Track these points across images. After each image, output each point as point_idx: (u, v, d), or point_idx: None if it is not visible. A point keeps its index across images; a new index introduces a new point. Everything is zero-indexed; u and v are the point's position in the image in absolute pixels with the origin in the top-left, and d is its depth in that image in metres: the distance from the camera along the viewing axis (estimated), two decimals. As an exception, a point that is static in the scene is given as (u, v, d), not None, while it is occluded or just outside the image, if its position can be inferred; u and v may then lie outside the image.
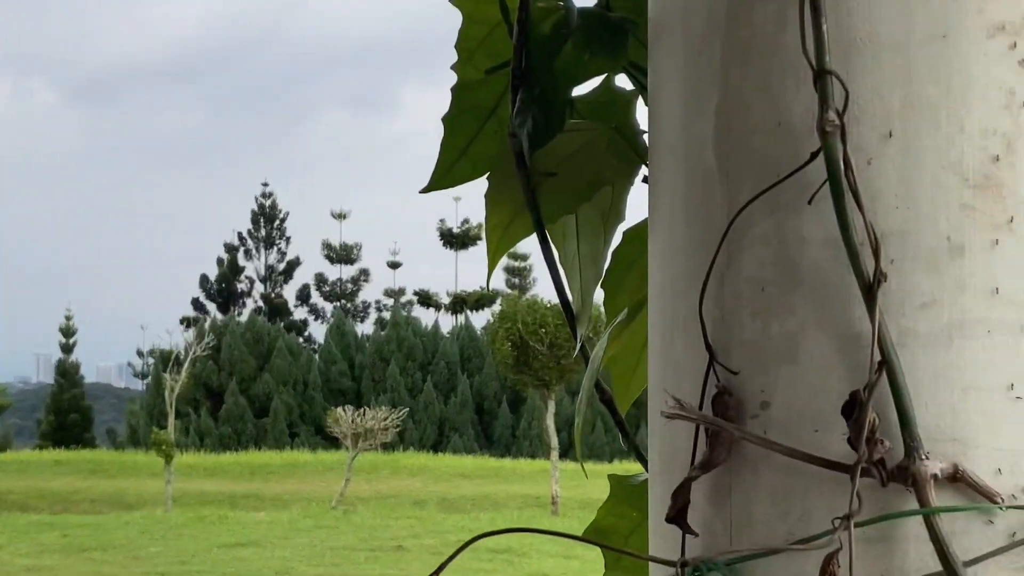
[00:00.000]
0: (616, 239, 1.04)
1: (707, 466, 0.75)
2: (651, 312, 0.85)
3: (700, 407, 0.77)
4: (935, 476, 0.70)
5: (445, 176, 1.01)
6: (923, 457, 0.70)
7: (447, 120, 1.01)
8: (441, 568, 0.69)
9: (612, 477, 1.06)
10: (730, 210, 0.77)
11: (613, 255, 1.03)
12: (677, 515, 0.75)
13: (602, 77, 1.03)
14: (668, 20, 0.83)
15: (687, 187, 0.81)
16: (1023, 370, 0.72)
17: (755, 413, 0.75)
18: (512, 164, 0.97)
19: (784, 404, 0.74)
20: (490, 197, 0.99)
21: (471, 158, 1.01)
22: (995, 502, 0.70)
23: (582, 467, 1.09)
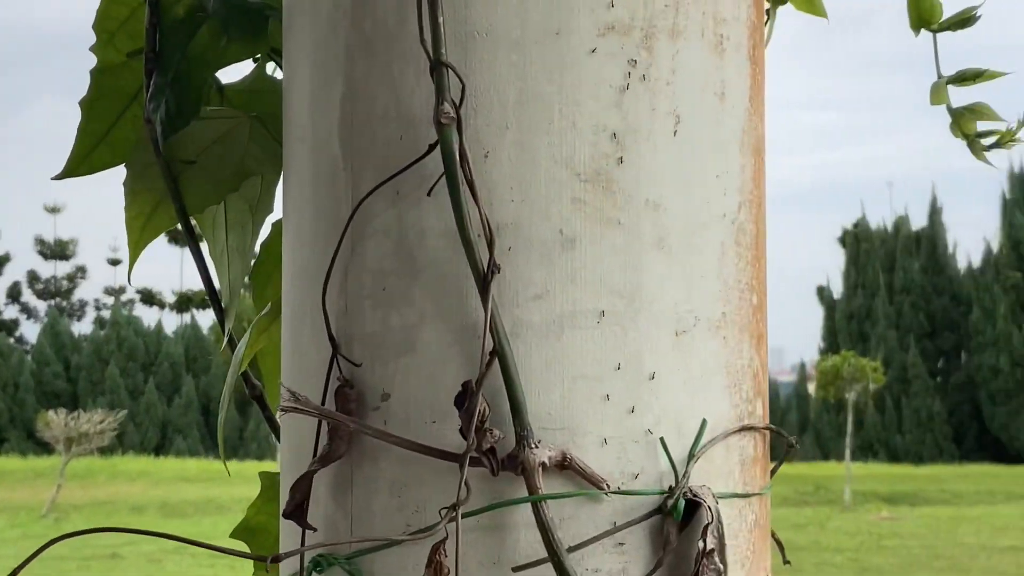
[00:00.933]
0: (267, 231, 1.02)
1: (326, 460, 0.74)
2: (284, 304, 0.84)
3: (323, 400, 0.76)
4: (544, 464, 0.71)
5: (82, 163, 0.96)
6: (533, 445, 0.71)
7: (85, 104, 0.97)
8: (19, 569, 0.65)
9: (263, 475, 1.04)
10: (354, 200, 0.76)
11: (263, 247, 1.01)
12: (295, 510, 0.74)
13: (255, 64, 1.01)
14: (298, 7, 0.81)
15: (314, 176, 0.79)
16: (631, 359, 0.74)
17: (376, 405, 0.75)
18: (151, 151, 0.93)
19: (404, 395, 0.74)
20: (129, 186, 0.95)
21: (111, 144, 0.97)
22: (601, 488, 0.72)
23: (224, 465, 1.06)
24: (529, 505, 0.71)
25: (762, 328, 0.82)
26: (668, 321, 0.75)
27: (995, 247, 33.16)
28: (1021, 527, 15.98)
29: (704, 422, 0.76)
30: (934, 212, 34.98)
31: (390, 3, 0.75)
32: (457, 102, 0.72)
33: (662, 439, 0.74)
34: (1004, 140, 0.88)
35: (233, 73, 1.04)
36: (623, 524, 0.73)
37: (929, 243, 34.52)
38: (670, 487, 0.74)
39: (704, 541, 0.73)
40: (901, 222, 35.13)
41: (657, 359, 0.75)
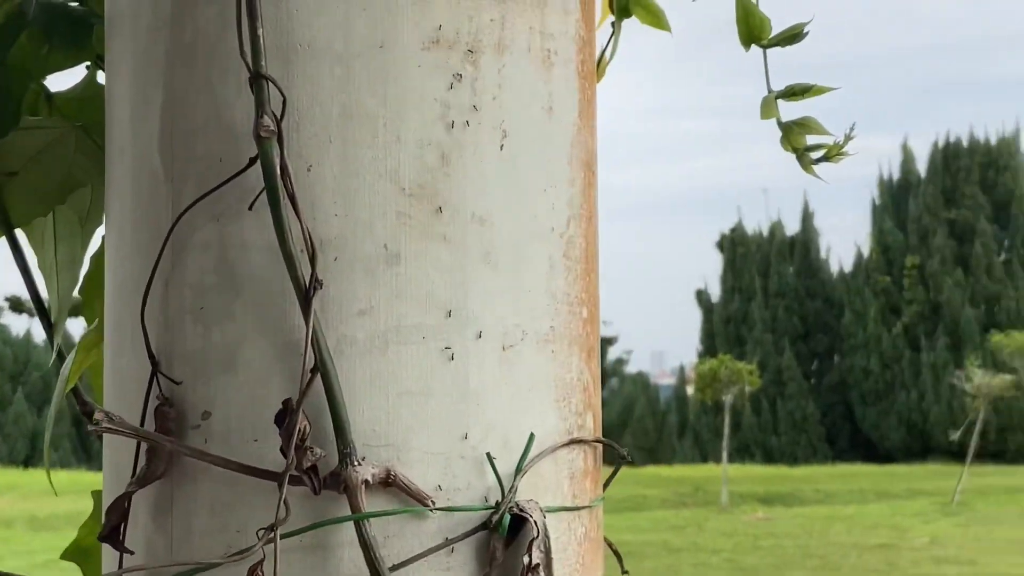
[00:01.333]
0: (98, 242, 0.99)
1: (144, 481, 0.72)
2: (106, 319, 0.82)
3: (143, 419, 0.75)
4: (367, 481, 0.71)
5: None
6: (356, 463, 0.71)
7: (-94, 112, 0.93)
8: None
9: (96, 493, 1.01)
10: (175, 213, 0.75)
11: (93, 259, 0.98)
12: (111, 533, 0.72)
13: (86, 72, 0.99)
14: (119, 15, 0.79)
15: (135, 188, 0.78)
16: (457, 375, 0.74)
17: (197, 423, 0.73)
18: (-27, 162, 0.90)
19: (225, 414, 0.73)
20: (-50, 197, 0.92)
21: (-66, 153, 0.93)
22: (426, 504, 0.72)
23: (49, 481, 1.03)
24: (353, 524, 0.70)
25: (593, 342, 0.82)
26: (495, 335, 0.75)
27: (866, 252, 34.10)
28: (890, 525, 16.45)
29: (531, 436, 0.76)
30: (806, 218, 35.82)
31: (211, 12, 0.74)
32: (279, 115, 0.71)
33: (488, 454, 0.74)
34: (831, 154, 0.90)
35: (65, 81, 1.01)
36: (448, 541, 0.72)
37: (802, 248, 35.33)
38: (496, 502, 0.74)
39: (530, 556, 0.73)
40: (776, 227, 35.89)
41: (483, 374, 0.75)
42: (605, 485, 0.85)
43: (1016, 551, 13.28)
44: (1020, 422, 29.45)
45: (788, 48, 0.94)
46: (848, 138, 0.90)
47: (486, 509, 0.73)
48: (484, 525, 0.73)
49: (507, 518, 0.73)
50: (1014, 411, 28.54)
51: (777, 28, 0.92)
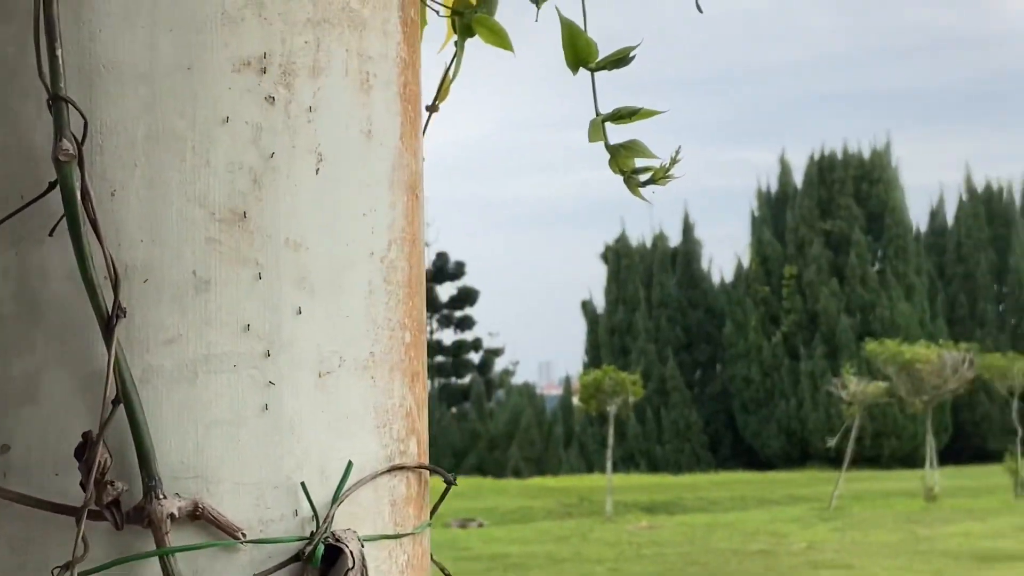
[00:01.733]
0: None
1: (-62, 518, 0.69)
2: (-95, 349, 0.78)
3: (-61, 453, 0.71)
4: (173, 515, 0.69)
5: None
6: (161, 496, 0.69)
7: None
8: None
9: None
10: (-27, 240, 0.72)
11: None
12: (-99, 574, 0.69)
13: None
14: (-83, 32, 0.76)
15: (-68, 214, 0.74)
16: (270, 403, 0.72)
17: (-4, 458, 0.71)
18: None
19: (25, 447, 0.70)
20: None
21: None
22: (236, 537, 0.70)
23: None
24: (158, 559, 0.68)
25: (417, 366, 0.81)
26: (310, 362, 0.74)
27: (746, 263, 34.74)
28: (770, 531, 16.75)
29: (349, 464, 0.75)
30: (687, 229, 36.38)
31: (8, 33, 0.72)
32: (80, 138, 0.69)
33: (303, 483, 0.73)
34: (657, 176, 0.91)
35: None
36: (260, 573, 0.70)
37: (684, 259, 35.86)
38: (311, 533, 0.72)
39: (345, 587, 0.72)
40: (659, 239, 36.36)
41: (299, 401, 0.73)
42: (433, 510, 0.84)
43: (890, 554, 13.63)
44: (894, 428, 30.27)
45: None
46: (674, 161, 0.91)
47: (299, 540, 0.72)
48: (297, 556, 0.72)
49: (321, 548, 0.71)
50: (888, 417, 29.33)
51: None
